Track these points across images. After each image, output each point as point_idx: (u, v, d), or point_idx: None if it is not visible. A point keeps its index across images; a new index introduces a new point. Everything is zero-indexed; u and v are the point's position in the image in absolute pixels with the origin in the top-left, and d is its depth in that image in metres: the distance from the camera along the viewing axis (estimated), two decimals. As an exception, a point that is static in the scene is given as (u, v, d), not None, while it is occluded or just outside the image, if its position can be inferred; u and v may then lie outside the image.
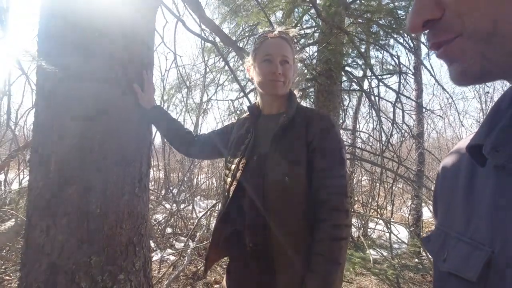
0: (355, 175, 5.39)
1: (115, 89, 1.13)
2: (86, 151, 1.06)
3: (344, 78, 3.40)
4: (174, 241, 4.64)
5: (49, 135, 1.07)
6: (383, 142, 3.47)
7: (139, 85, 1.21)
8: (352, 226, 4.14)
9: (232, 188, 1.01)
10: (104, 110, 1.10)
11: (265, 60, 1.02)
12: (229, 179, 1.04)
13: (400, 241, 3.60)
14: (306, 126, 0.97)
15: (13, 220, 2.29)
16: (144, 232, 1.24)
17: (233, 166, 1.04)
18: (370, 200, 4.86)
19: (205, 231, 4.33)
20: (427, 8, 0.32)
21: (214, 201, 5.19)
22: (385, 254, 3.12)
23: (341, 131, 4.08)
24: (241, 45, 3.24)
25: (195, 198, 6.62)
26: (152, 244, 4.39)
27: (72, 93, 1.07)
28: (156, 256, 4.00)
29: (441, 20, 0.32)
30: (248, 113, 1.15)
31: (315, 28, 3.33)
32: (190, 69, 5.10)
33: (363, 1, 3.03)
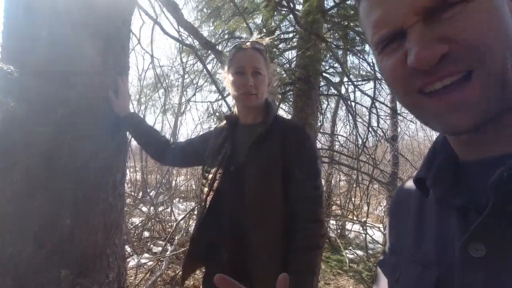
0: (333, 177, 5.50)
1: (86, 94, 1.09)
2: (54, 159, 1.02)
3: (322, 83, 3.47)
4: (151, 246, 4.53)
5: (14, 142, 1.02)
6: (359, 146, 3.58)
7: (113, 91, 1.17)
8: (330, 228, 4.23)
9: (209, 198, 1.00)
10: (75, 115, 1.06)
11: (237, 72, 1.03)
12: (206, 189, 1.04)
13: (375, 241, 3.72)
14: (282, 137, 0.98)
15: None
16: (118, 242, 1.20)
17: (210, 176, 1.04)
18: (347, 202, 4.99)
19: (184, 234, 4.27)
20: (437, 43, 0.31)
21: (194, 203, 5.13)
22: (360, 254, 3.21)
23: (319, 135, 4.17)
24: (220, 47, 3.22)
25: (174, 200, 6.50)
26: (129, 249, 4.26)
27: (40, 99, 1.02)
28: (132, 262, 3.89)
29: (452, 53, 0.31)
30: (225, 121, 1.15)
31: (294, 34, 3.38)
32: (168, 70, 5.02)
33: (340, 8, 3.11)
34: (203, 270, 1.15)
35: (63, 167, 1.02)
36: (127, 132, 1.29)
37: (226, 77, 1.10)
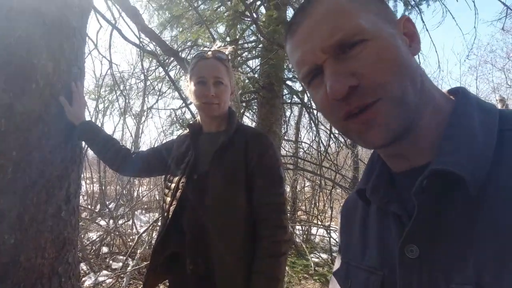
0: (298, 183, 5.62)
1: (35, 101, 1.01)
2: (1, 171, 0.92)
3: (286, 91, 3.55)
4: (111, 262, 4.26)
5: None
6: (322, 152, 3.70)
7: (67, 97, 1.10)
8: (296, 234, 4.29)
9: (171, 208, 0.97)
10: (22, 124, 0.98)
11: (198, 82, 1.02)
12: (168, 199, 1.00)
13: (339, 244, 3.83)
14: (245, 145, 0.99)
15: None
16: (72, 260, 1.11)
17: (173, 185, 1.01)
18: (312, 207, 5.11)
19: (147, 248, 4.07)
20: (347, 77, 0.37)
21: (157, 214, 4.93)
22: (325, 257, 3.29)
23: (284, 142, 4.25)
24: (183, 55, 3.18)
25: (136, 212, 6.19)
26: (85, 267, 3.96)
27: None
28: (89, 280, 3.62)
29: (359, 87, 0.37)
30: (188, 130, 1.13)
31: (257, 43, 3.44)
32: (129, 75, 4.83)
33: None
34: (167, 284, 1.10)
35: (8, 183, 0.93)
36: (82, 141, 1.21)
37: (188, 87, 1.08)
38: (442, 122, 0.39)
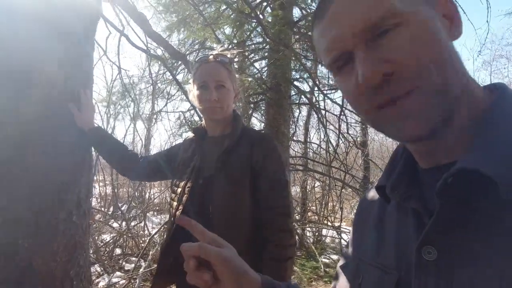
0: (308, 184, 5.59)
1: (43, 107, 1.04)
2: (11, 179, 0.95)
3: (293, 92, 3.54)
4: (124, 263, 4.33)
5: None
6: (331, 152, 3.67)
7: (76, 104, 1.13)
8: (305, 235, 4.27)
9: (178, 213, 0.98)
10: (30, 130, 1.00)
11: (201, 87, 1.03)
12: (175, 203, 1.01)
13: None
14: (250, 149, 0.99)
15: None
16: (83, 263, 1.14)
17: (179, 190, 1.02)
18: (323, 208, 5.08)
19: (158, 249, 4.12)
20: (380, 63, 0.34)
21: (169, 216, 4.96)
22: (335, 258, 3.26)
23: (292, 143, 4.23)
24: (191, 57, 3.21)
25: (148, 214, 6.27)
26: (99, 268, 4.04)
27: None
28: (103, 282, 3.69)
29: (394, 75, 0.34)
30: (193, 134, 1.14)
31: (264, 44, 3.44)
32: (139, 79, 4.90)
33: (308, 20, 3.21)
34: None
35: (20, 190, 0.96)
36: (91, 147, 1.24)
37: (191, 91, 1.09)
38: (477, 118, 0.36)
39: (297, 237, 3.88)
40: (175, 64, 3.27)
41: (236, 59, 3.47)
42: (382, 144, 8.53)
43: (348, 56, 0.37)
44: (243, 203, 0.95)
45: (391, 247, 0.42)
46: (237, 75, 1.11)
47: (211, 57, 1.04)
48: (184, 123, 4.01)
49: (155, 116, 5.83)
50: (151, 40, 2.29)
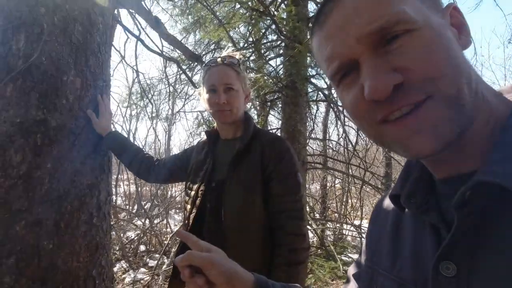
0: (327, 182, 5.51)
1: (66, 115, 1.08)
2: (35, 183, 1.01)
3: (310, 89, 3.49)
4: (148, 260, 4.47)
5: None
6: (350, 149, 3.59)
7: (94, 110, 1.17)
8: (326, 233, 4.21)
9: (192, 216, 1.00)
10: (55, 137, 1.05)
11: (210, 91, 1.03)
12: (189, 206, 1.03)
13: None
14: (261, 151, 0.97)
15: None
16: (105, 263, 1.18)
17: (192, 193, 1.03)
18: (343, 206, 4.99)
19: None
20: (390, 73, 0.31)
21: (183, 218, 5.06)
22: (356, 258, 3.19)
23: (310, 141, 4.18)
24: (207, 58, 3.24)
25: (170, 212, 6.43)
26: (124, 265, 4.20)
27: (17, 122, 1.01)
28: (129, 277, 3.83)
29: (404, 84, 0.31)
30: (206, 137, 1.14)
31: (279, 42, 3.41)
32: (158, 81, 5.02)
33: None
34: None
35: (45, 194, 1.01)
36: (110, 151, 1.28)
37: (202, 95, 1.10)
38: (495, 127, 0.34)
39: (316, 237, 3.84)
40: (192, 65, 3.31)
41: (251, 57, 3.48)
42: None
43: (353, 65, 0.34)
44: (254, 207, 0.94)
45: (407, 259, 0.40)
46: (251, 75, 1.10)
47: (219, 59, 1.04)
48: (202, 123, 4.06)
49: (174, 117, 5.96)
50: (167, 44, 2.33)
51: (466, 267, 0.31)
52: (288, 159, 0.97)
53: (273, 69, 3.38)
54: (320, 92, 3.59)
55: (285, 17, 2.78)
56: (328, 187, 5.42)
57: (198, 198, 1.00)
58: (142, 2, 1.76)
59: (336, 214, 5.12)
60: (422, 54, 0.31)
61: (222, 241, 0.93)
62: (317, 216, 4.83)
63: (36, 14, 1.05)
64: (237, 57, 1.07)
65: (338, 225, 4.43)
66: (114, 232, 4.43)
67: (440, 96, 0.31)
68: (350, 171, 3.58)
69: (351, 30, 0.33)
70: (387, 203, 0.48)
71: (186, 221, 1.03)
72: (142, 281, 3.60)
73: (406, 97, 0.31)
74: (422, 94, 0.31)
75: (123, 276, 3.95)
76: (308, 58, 2.98)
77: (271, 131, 3.33)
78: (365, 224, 4.85)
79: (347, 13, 0.34)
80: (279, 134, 1.04)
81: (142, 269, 4.04)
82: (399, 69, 0.31)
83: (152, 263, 4.23)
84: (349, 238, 4.80)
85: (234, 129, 1.07)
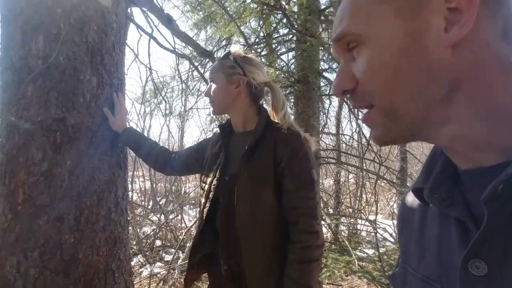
0: (341, 177, 5.46)
1: (83, 113, 1.11)
2: (55, 179, 1.04)
3: (323, 83, 3.45)
4: (164, 254, 4.57)
5: (16, 165, 1.05)
6: (364, 144, 3.53)
7: (110, 107, 1.19)
8: (340, 229, 4.19)
9: (205, 210, 1.01)
10: (73, 135, 1.08)
11: None
12: (203, 200, 1.04)
13: (386, 239, 3.67)
14: (274, 146, 0.96)
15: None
16: (123, 257, 1.22)
17: (206, 186, 1.04)
18: (357, 201, 4.93)
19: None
20: (345, 80, 0.37)
21: (198, 211, 5.12)
22: (371, 253, 3.16)
23: (323, 135, 4.14)
24: (219, 54, 3.24)
25: (184, 207, 6.53)
26: (141, 259, 4.30)
27: (37, 120, 1.05)
28: (146, 271, 3.93)
29: (355, 91, 0.37)
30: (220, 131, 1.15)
31: (291, 35, 3.37)
32: (171, 79, 5.07)
33: (335, 7, 3.08)
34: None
35: (65, 190, 1.05)
36: (126, 148, 1.31)
37: None
38: None
39: (330, 232, 3.82)
40: (203, 61, 3.33)
41: (263, 52, 3.46)
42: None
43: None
44: (267, 202, 0.93)
45: (433, 257, 0.38)
46: (250, 66, 1.05)
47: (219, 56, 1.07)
48: (214, 119, 4.08)
49: (187, 113, 6.01)
50: (179, 41, 2.34)
51: (499, 266, 0.29)
52: (303, 155, 0.95)
53: (285, 64, 3.36)
54: (333, 86, 3.54)
55: (296, 10, 2.75)
56: (341, 182, 5.37)
57: (211, 192, 1.01)
58: (154, 0, 1.77)
59: (350, 209, 5.07)
60: (362, 69, 0.35)
61: (234, 235, 0.94)
62: (331, 211, 4.80)
63: (53, 15, 1.08)
64: (231, 50, 1.07)
65: (352, 220, 4.39)
66: (131, 227, 4.54)
67: (377, 107, 0.36)
68: (364, 165, 3.53)
69: (333, 34, 0.39)
70: (412, 198, 0.46)
71: (200, 214, 1.04)
72: (158, 275, 3.69)
73: (355, 101, 0.38)
74: (366, 102, 0.36)
75: (140, 270, 4.05)
76: (321, 52, 2.94)
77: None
78: (380, 219, 4.79)
79: (337, 13, 0.39)
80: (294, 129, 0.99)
81: (158, 263, 4.13)
82: (354, 77, 0.36)
83: (168, 257, 4.32)
84: (363, 233, 4.75)
85: (242, 122, 1.06)
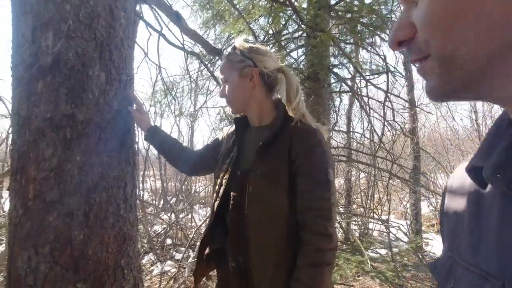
0: (352, 175, 5.38)
1: (92, 109, 1.11)
2: (65, 175, 1.04)
3: (333, 80, 3.39)
4: (174, 253, 4.60)
5: (26, 160, 1.05)
6: (376, 142, 3.46)
7: (119, 104, 1.19)
8: (351, 228, 4.12)
9: (215, 204, 0.99)
10: (83, 131, 1.08)
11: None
12: (215, 194, 1.02)
13: (398, 239, 3.59)
14: (289, 142, 0.91)
15: (4, 245, 2.25)
16: (132, 254, 1.21)
17: (218, 181, 1.02)
18: (369, 200, 4.85)
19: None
20: (402, 29, 0.34)
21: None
22: (383, 253, 3.09)
23: (334, 133, 4.08)
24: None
25: (194, 207, 6.57)
26: (152, 257, 4.34)
27: (47, 116, 1.05)
28: (156, 270, 3.96)
29: (413, 41, 0.34)
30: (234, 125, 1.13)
31: (301, 32, 3.33)
32: (181, 78, 5.10)
33: (347, 1, 3.03)
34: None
35: (75, 186, 1.05)
36: (135, 144, 1.31)
37: None
38: None
39: (341, 231, 3.76)
40: (213, 60, 3.32)
41: (272, 50, 3.43)
42: (433, 131, 7.85)
43: None
44: (279, 200, 0.89)
45: (492, 249, 0.32)
46: (258, 56, 1.00)
47: (225, 54, 1.05)
48: (224, 118, 4.08)
49: (196, 113, 6.04)
50: (188, 38, 2.34)
51: None
52: (319, 153, 0.90)
53: (294, 61, 3.32)
54: (343, 83, 3.48)
55: (305, 6, 2.71)
56: (352, 181, 5.29)
57: (222, 187, 0.99)
58: (163, -3, 1.77)
59: (361, 209, 4.99)
60: (423, 14, 0.32)
61: (244, 232, 0.91)
62: (341, 210, 4.73)
63: (62, 11, 1.08)
64: (236, 44, 1.03)
65: (364, 219, 4.32)
66: (142, 226, 4.59)
67: (435, 55, 0.32)
68: (376, 163, 3.46)
69: None
70: (461, 179, 0.40)
71: (212, 209, 1.02)
72: (169, 273, 3.71)
73: (413, 53, 0.34)
74: (424, 53, 0.33)
75: (151, 268, 4.09)
76: (331, 48, 2.89)
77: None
78: (392, 219, 4.70)
79: None
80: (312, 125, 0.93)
81: (169, 262, 4.16)
82: (413, 25, 0.33)
83: (178, 256, 4.35)
84: (375, 233, 4.67)
85: (258, 117, 1.03)
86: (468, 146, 7.29)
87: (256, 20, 3.15)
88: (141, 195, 5.69)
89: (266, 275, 0.88)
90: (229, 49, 1.06)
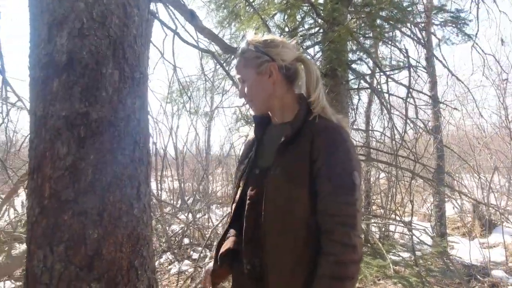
0: (372, 175, 5.22)
1: (106, 107, 1.10)
2: (79, 174, 1.04)
3: (352, 77, 3.29)
4: (191, 252, 4.63)
5: (43, 159, 1.06)
6: (397, 140, 3.33)
7: (133, 101, 1.18)
8: (371, 230, 3.99)
9: (234, 205, 0.95)
10: (96, 130, 1.07)
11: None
12: (233, 196, 0.99)
13: (422, 242, 3.43)
14: (311, 140, 0.84)
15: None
16: (146, 254, 1.20)
17: (237, 180, 0.99)
18: (389, 201, 4.68)
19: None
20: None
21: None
22: (406, 256, 2.96)
23: (353, 132, 3.97)
24: (243, 51, 3.20)
25: (212, 207, 6.61)
26: (170, 257, 4.39)
27: (63, 115, 1.05)
28: (174, 269, 3.99)
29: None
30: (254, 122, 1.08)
31: (318, 28, 3.25)
32: (197, 78, 5.13)
33: (365, -5, 2.93)
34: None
35: (89, 185, 1.04)
36: (149, 144, 1.29)
37: None
38: None
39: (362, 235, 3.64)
40: (228, 59, 3.31)
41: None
42: (459, 128, 7.49)
43: None
44: (298, 203, 0.82)
45: None
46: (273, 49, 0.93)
47: (238, 51, 0.98)
48: (240, 118, 4.05)
49: (213, 113, 6.07)
50: (203, 38, 2.33)
51: None
52: (343, 153, 0.82)
53: (311, 58, 3.25)
54: (362, 80, 3.37)
55: (322, 1, 2.64)
56: (372, 181, 5.13)
57: (240, 188, 0.95)
58: (177, -4, 1.76)
59: (381, 210, 4.83)
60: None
61: (259, 233, 0.86)
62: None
63: (76, 10, 1.08)
64: (248, 40, 0.96)
65: (384, 220, 4.17)
66: (160, 225, 4.65)
67: None
68: (398, 163, 3.32)
69: None
70: None
71: (230, 210, 0.99)
72: (186, 273, 3.73)
73: None
74: None
75: (169, 267, 4.13)
76: (349, 43, 2.81)
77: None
78: (415, 221, 4.51)
79: None
80: (333, 119, 0.86)
81: (186, 261, 4.19)
82: None
83: (195, 255, 4.37)
84: (396, 235, 4.50)
85: (281, 111, 0.97)
86: (497, 144, 6.91)
87: (272, 18, 3.11)
88: (159, 195, 5.77)
89: (282, 280, 0.83)
90: (242, 45, 0.98)
